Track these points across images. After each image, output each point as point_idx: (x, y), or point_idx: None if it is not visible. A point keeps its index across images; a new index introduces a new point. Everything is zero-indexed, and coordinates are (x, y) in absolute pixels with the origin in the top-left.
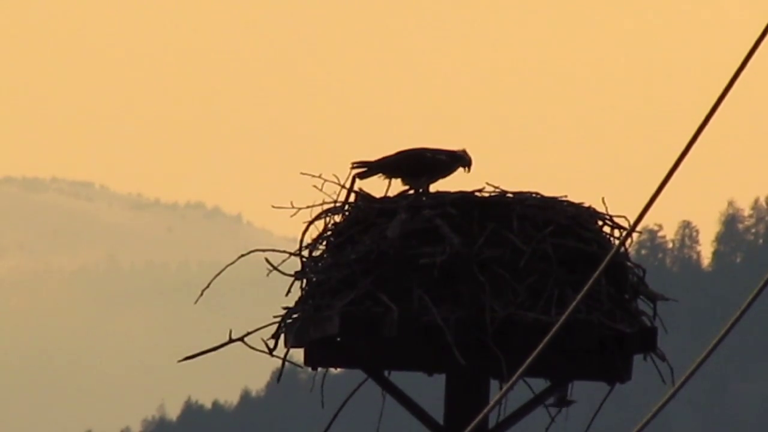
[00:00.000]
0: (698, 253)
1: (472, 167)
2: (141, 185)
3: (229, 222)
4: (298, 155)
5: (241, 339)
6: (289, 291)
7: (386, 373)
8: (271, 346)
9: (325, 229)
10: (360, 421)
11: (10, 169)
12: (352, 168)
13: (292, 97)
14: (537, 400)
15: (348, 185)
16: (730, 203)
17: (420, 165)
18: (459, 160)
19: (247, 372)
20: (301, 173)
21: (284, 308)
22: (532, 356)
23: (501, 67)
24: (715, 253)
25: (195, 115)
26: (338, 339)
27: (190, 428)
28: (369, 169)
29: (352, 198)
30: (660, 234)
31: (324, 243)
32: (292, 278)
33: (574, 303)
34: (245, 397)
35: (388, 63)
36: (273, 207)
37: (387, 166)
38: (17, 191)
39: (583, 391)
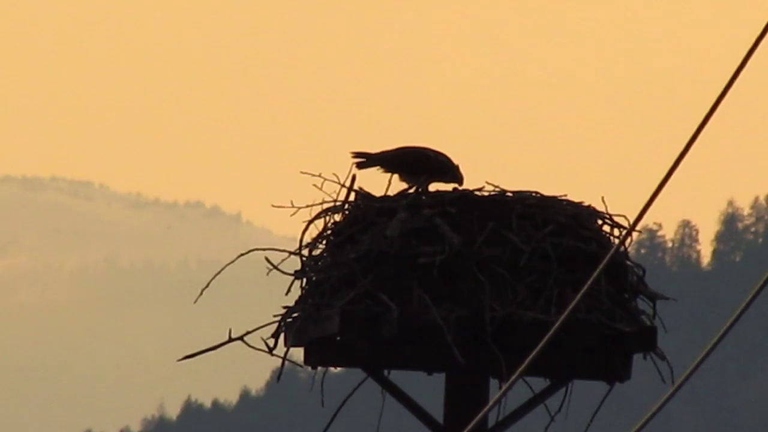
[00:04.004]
0: (698, 253)
1: (462, 183)
2: (140, 184)
3: (228, 221)
4: (298, 155)
5: (240, 338)
6: (289, 290)
7: (386, 372)
8: (271, 345)
9: (325, 228)
10: (360, 420)
11: (10, 168)
12: (352, 157)
13: (292, 97)
14: (537, 400)
15: (348, 184)
16: (730, 203)
17: (420, 162)
18: (457, 171)
19: (247, 371)
20: (301, 172)
21: (284, 307)
22: (532, 356)
23: (501, 66)
24: (715, 253)
25: (194, 115)
26: (338, 338)
27: (189, 427)
28: (368, 160)
29: (352, 197)
30: (659, 233)
31: (324, 242)
32: (292, 277)
33: (573, 302)
34: (245, 396)
35: (387, 62)
36: (273, 206)
37: (387, 160)
38: (17, 190)
39: (583, 390)
